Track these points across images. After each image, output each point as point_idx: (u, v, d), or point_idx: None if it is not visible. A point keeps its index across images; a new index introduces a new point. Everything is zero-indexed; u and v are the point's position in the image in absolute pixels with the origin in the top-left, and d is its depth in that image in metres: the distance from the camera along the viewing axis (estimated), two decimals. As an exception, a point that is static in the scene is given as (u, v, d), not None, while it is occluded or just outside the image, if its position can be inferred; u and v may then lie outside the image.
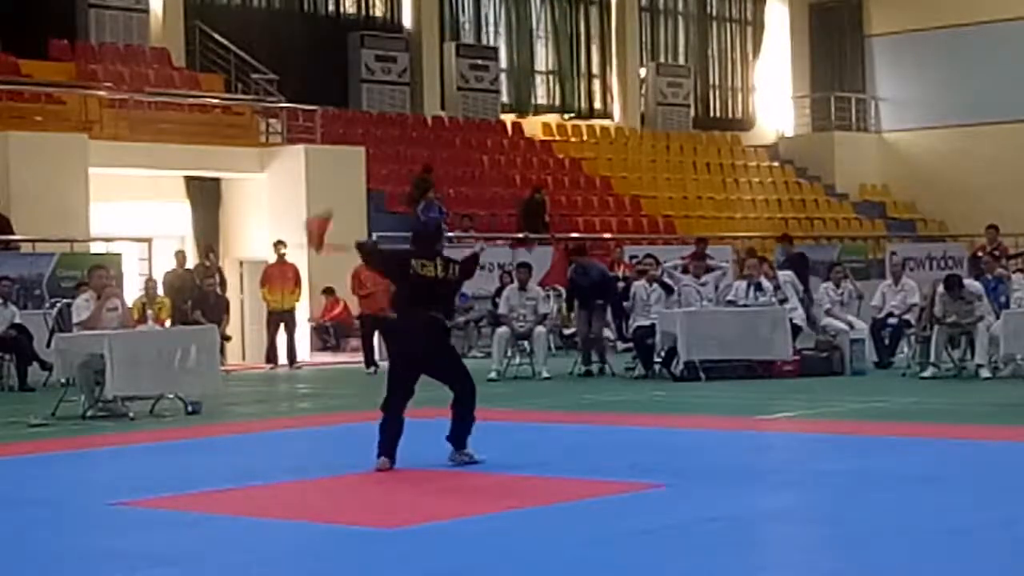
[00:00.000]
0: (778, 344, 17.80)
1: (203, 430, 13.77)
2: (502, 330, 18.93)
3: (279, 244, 22.58)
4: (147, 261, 21.64)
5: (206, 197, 24.82)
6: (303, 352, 23.03)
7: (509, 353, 19.04)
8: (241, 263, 24.68)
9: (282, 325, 22.33)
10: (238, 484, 10.11)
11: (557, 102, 34.01)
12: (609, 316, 19.97)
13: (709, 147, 35.86)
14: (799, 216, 34.11)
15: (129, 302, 17.43)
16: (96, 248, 21.90)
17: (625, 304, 19.20)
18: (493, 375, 18.48)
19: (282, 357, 22.27)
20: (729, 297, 18.53)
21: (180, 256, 22.90)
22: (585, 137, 33.70)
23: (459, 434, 10.66)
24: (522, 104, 33.26)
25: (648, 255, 20.14)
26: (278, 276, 22.42)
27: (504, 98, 32.91)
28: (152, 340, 15.60)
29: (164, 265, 22.39)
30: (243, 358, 23.95)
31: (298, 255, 23.12)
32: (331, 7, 30.47)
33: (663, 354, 17.95)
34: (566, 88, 34.12)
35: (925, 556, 7.31)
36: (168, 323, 18.82)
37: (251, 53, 26.85)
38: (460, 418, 10.67)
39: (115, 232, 22.58)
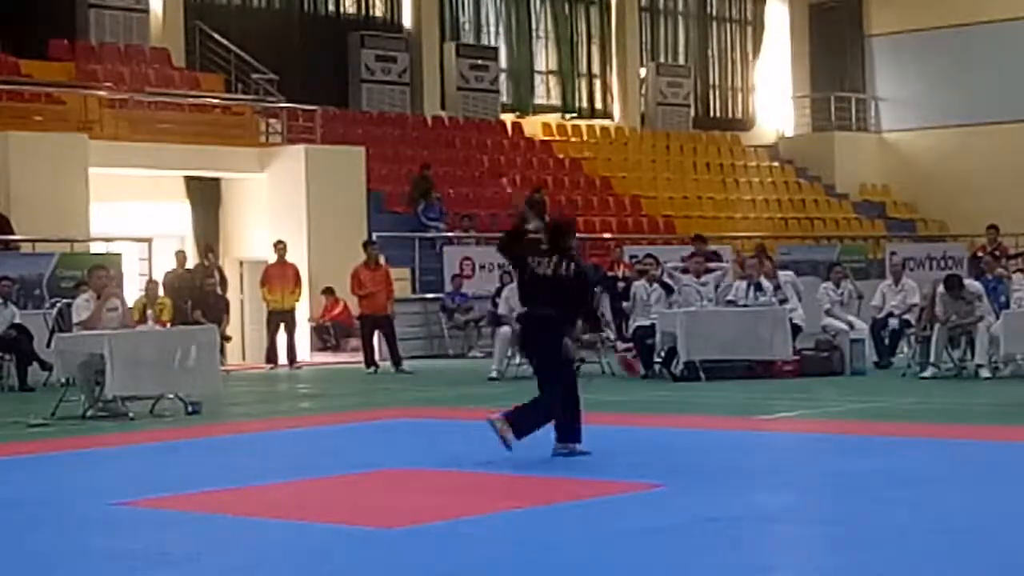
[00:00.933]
0: (778, 344, 17.80)
1: (203, 430, 13.77)
2: (504, 330, 18.88)
3: (279, 244, 22.57)
4: (147, 261, 21.63)
5: (206, 197, 24.82)
6: (303, 352, 23.03)
7: (509, 353, 19.03)
8: (241, 263, 24.68)
9: (282, 325, 22.32)
10: (238, 484, 10.11)
11: (557, 102, 34.02)
12: (610, 316, 19.96)
13: (709, 147, 35.85)
14: (799, 216, 34.13)
15: (129, 302, 17.42)
16: (96, 248, 21.88)
17: (625, 304, 19.21)
18: (494, 374, 18.51)
19: (282, 357, 22.26)
20: (729, 297, 18.53)
21: (180, 256, 22.90)
22: (585, 137, 33.70)
23: (520, 419, 10.73)
24: (522, 104, 33.26)
25: (648, 255, 20.15)
26: (278, 276, 22.42)
27: (504, 98, 32.91)
28: (152, 340, 15.60)
29: (164, 265, 22.39)
30: (243, 358, 23.95)
31: (298, 255, 23.15)
32: (331, 7, 30.46)
33: (663, 354, 17.94)
34: (566, 88, 34.12)
35: (925, 556, 7.31)
36: (170, 324, 18.82)
37: (251, 53, 26.83)
38: (525, 408, 10.81)
39: (115, 232, 22.57)
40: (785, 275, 19.31)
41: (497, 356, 18.87)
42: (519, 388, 17.42)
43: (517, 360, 19.18)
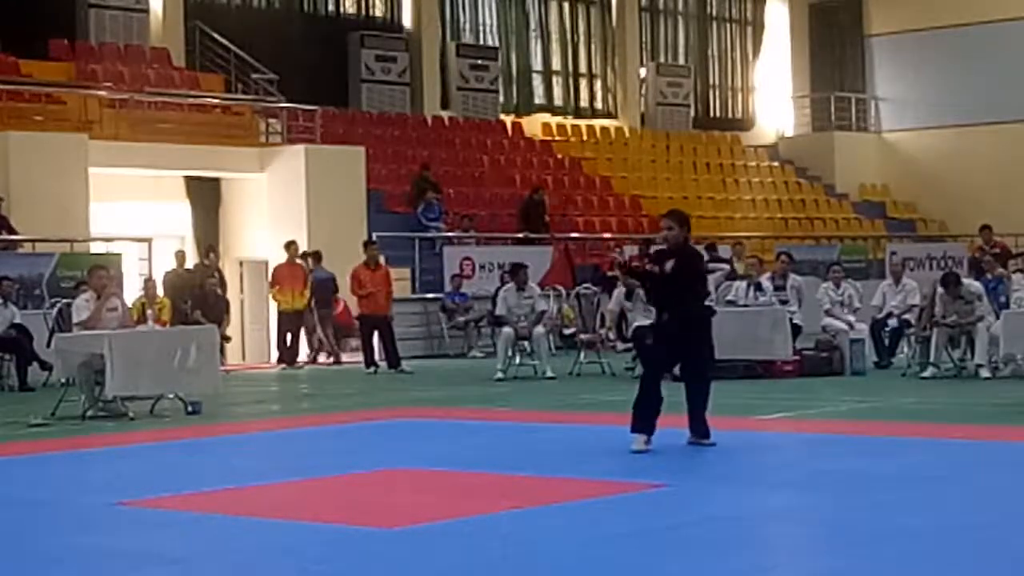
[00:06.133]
0: (778, 344, 17.79)
1: (203, 430, 13.77)
2: (507, 330, 18.85)
3: (291, 245, 22.56)
4: (147, 261, 21.64)
5: (206, 197, 24.82)
6: (303, 352, 23.02)
7: (510, 353, 19.01)
8: (241, 263, 24.68)
9: (291, 327, 22.34)
10: (238, 484, 10.11)
11: (557, 102, 34.02)
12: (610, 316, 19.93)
13: (709, 147, 35.86)
14: (799, 216, 34.14)
15: (129, 302, 17.41)
16: (96, 248, 21.89)
17: (626, 304, 19.18)
18: (500, 375, 18.46)
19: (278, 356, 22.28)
20: (729, 297, 18.53)
21: (180, 256, 22.91)
22: (585, 137, 33.70)
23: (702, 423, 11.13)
24: (522, 104, 33.26)
25: (649, 255, 20.13)
26: (288, 277, 22.44)
27: (504, 98, 32.90)
28: (152, 340, 15.59)
29: (164, 265, 22.39)
30: (243, 358, 23.95)
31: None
32: (331, 7, 30.46)
33: (663, 354, 17.89)
34: (566, 88, 34.12)
35: (925, 556, 7.31)
36: (169, 324, 18.82)
37: (251, 53, 26.84)
38: (698, 410, 11.16)
39: (115, 232, 22.58)
40: (793, 279, 19.29)
41: (501, 356, 18.82)
42: (520, 388, 17.50)
43: (518, 360, 19.21)
